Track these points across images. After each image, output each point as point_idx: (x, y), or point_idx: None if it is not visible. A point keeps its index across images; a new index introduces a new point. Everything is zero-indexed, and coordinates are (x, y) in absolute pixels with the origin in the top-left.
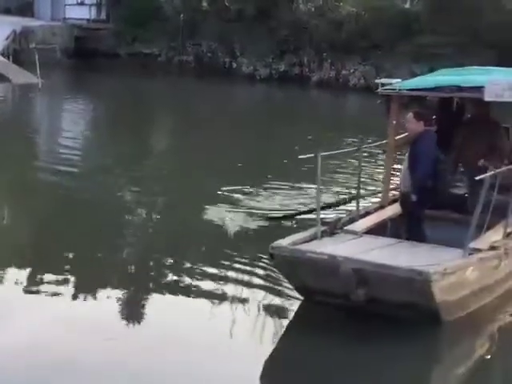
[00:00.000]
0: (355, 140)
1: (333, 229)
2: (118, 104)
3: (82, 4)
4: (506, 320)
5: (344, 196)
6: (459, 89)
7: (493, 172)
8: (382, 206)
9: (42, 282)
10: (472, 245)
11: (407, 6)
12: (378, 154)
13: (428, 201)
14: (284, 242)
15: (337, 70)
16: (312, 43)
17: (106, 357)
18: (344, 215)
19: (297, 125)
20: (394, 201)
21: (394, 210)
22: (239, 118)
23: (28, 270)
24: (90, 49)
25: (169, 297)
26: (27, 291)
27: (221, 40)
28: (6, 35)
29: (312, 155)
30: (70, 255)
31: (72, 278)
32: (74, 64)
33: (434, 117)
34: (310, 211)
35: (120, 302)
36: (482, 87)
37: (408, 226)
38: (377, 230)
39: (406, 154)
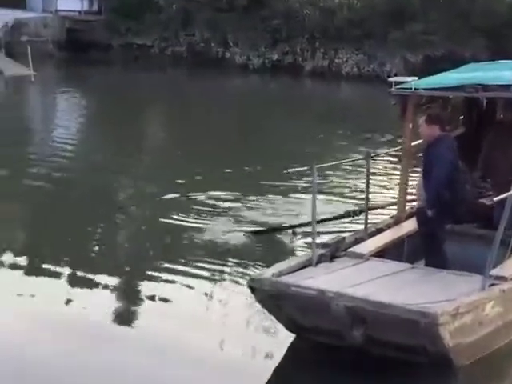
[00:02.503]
0: (349, 133)
1: (334, 251)
2: (111, 96)
3: None
4: None
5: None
6: (484, 88)
7: None
8: (396, 222)
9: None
10: (494, 272)
11: None
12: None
13: (447, 216)
14: (268, 272)
15: (330, 59)
16: (305, 32)
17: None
18: (349, 234)
19: (292, 117)
20: (412, 215)
21: (411, 225)
22: (233, 110)
23: (19, 266)
24: (82, 41)
25: (155, 302)
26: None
27: (214, 30)
28: None
29: (305, 168)
30: (63, 251)
31: (65, 274)
32: (66, 56)
33: (461, 117)
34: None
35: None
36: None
37: (425, 248)
38: (390, 252)
39: (420, 165)
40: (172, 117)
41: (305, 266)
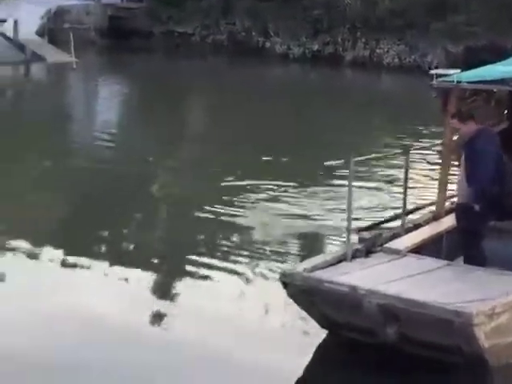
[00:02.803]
0: (389, 125)
1: (370, 247)
2: (152, 83)
3: None
4: None
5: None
6: None
7: None
8: (436, 217)
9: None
10: None
11: None
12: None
13: (493, 211)
14: (301, 266)
15: (371, 49)
16: (346, 22)
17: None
18: (386, 229)
19: (332, 107)
20: (452, 211)
21: (451, 221)
22: (273, 100)
23: (57, 255)
24: (124, 28)
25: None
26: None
27: (254, 19)
28: (41, 14)
29: (342, 161)
30: (100, 241)
31: (100, 265)
32: (107, 43)
33: (505, 112)
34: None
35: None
36: None
37: (463, 245)
38: (428, 248)
39: (462, 161)
40: (212, 105)
41: (339, 261)
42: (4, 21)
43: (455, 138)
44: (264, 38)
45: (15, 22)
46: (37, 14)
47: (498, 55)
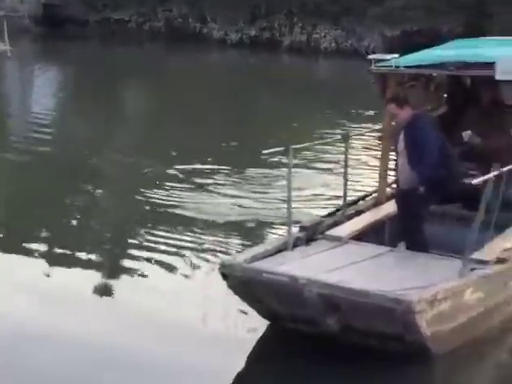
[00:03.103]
0: (327, 109)
1: (311, 235)
2: (88, 71)
3: None
4: None
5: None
6: (466, 65)
7: (498, 172)
8: (377, 204)
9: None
10: (475, 256)
11: None
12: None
13: (437, 195)
14: (240, 257)
15: (308, 34)
16: (283, 7)
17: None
18: (327, 216)
19: (269, 92)
20: (393, 197)
21: (392, 207)
22: (211, 86)
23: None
24: (59, 16)
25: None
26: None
27: (191, 5)
28: None
29: (281, 149)
30: (41, 225)
31: (43, 249)
32: (42, 31)
33: (444, 96)
34: None
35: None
36: (493, 63)
37: (405, 230)
38: (370, 234)
39: (400, 147)
40: (149, 91)
41: (280, 251)
42: None
43: (393, 123)
44: (201, 24)
45: None
46: None
47: (432, 39)
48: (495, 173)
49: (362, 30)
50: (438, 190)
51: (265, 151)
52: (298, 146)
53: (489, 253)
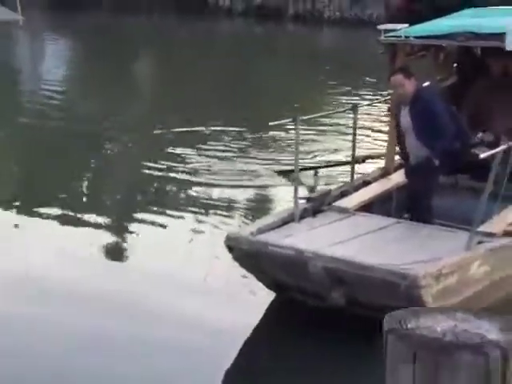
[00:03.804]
0: (338, 80)
1: (318, 206)
2: (99, 40)
3: None
4: None
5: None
6: (476, 36)
7: (506, 146)
8: (384, 174)
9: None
10: (482, 228)
11: None
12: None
13: (451, 166)
14: (246, 229)
15: (312, 3)
16: None
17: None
18: (335, 187)
19: (275, 60)
20: (401, 167)
21: (400, 178)
22: (219, 57)
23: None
24: None
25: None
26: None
27: None
28: None
29: (288, 120)
30: (49, 197)
31: (59, 208)
32: (54, 1)
33: (454, 66)
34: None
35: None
36: (503, 34)
37: (415, 202)
38: (377, 205)
39: (404, 123)
40: (161, 60)
41: (287, 222)
42: None
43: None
44: None
45: None
46: None
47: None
48: (503, 147)
49: None
50: (452, 162)
51: (272, 123)
52: (305, 117)
53: (496, 225)
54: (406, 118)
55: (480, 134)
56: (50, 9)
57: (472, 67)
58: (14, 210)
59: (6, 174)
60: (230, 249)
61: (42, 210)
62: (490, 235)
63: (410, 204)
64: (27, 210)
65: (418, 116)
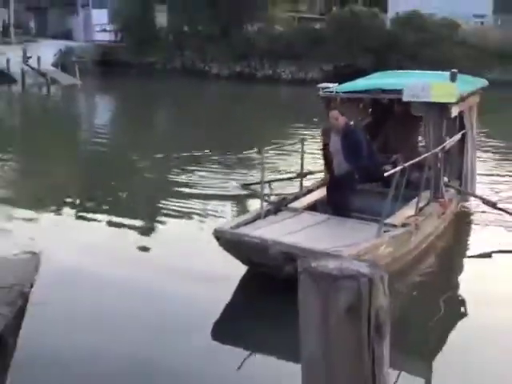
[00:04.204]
0: (287, 120)
1: (278, 207)
2: (132, 98)
3: (105, 31)
4: (416, 277)
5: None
6: (383, 91)
7: (401, 167)
8: (323, 184)
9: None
10: (388, 221)
11: (317, 26)
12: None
13: (365, 177)
14: (227, 225)
15: (273, 70)
16: (256, 52)
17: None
18: (289, 193)
19: (249, 109)
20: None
21: None
22: (209, 106)
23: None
24: (111, 60)
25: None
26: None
27: (198, 52)
28: (55, 53)
29: (255, 150)
30: (98, 201)
31: (99, 213)
32: (100, 71)
33: (369, 110)
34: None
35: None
36: (402, 89)
37: (340, 202)
38: (318, 205)
39: (334, 147)
40: (172, 110)
41: (256, 219)
42: (30, 57)
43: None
44: (204, 64)
45: (38, 58)
46: (52, 52)
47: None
48: (400, 167)
49: (308, 67)
50: (365, 175)
51: (241, 155)
52: (268, 148)
53: (397, 219)
54: (336, 143)
55: (394, 157)
56: (97, 77)
57: (381, 111)
58: (75, 210)
59: (66, 188)
60: (218, 238)
61: (94, 211)
62: (393, 226)
63: (338, 204)
64: (83, 211)
65: (347, 144)
